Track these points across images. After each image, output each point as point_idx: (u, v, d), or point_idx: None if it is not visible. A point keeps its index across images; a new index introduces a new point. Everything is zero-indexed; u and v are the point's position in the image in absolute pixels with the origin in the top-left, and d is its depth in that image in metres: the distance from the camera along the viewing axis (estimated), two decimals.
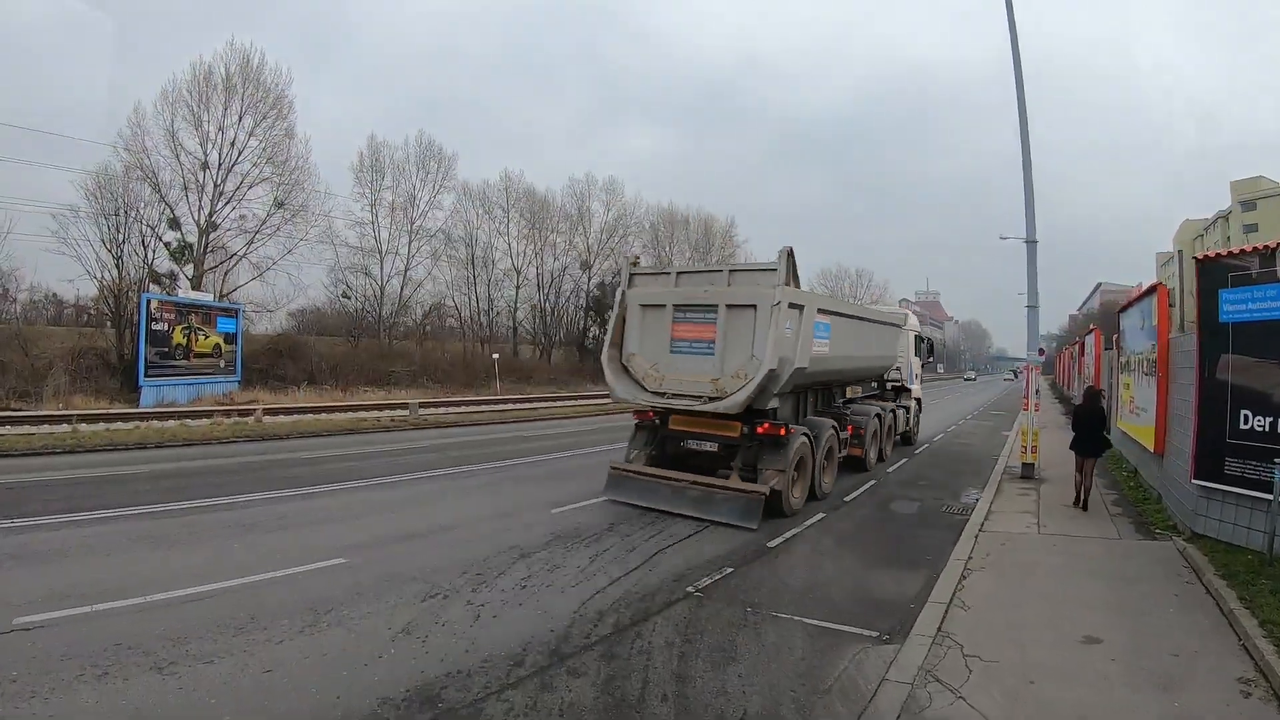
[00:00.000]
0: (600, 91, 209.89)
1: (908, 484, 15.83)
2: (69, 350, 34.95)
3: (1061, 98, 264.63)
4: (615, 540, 9.93)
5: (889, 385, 20.74)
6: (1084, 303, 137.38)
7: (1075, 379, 39.07)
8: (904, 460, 18.85)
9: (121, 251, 38.24)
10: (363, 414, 27.93)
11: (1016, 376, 76.79)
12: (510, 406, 34.56)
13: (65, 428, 19.47)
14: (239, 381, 35.97)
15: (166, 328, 32.62)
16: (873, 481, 15.55)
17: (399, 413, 27.40)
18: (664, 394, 12.38)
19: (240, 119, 43.40)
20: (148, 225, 39.99)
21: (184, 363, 33.35)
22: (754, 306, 11.55)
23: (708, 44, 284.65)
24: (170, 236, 41.88)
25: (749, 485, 11.74)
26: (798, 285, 12.09)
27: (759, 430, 12.00)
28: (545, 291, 63.63)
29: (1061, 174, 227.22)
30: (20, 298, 40.69)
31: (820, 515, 12.05)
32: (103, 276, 37.76)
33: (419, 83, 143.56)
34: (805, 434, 12.77)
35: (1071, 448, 12.86)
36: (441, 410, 30.45)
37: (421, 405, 29.02)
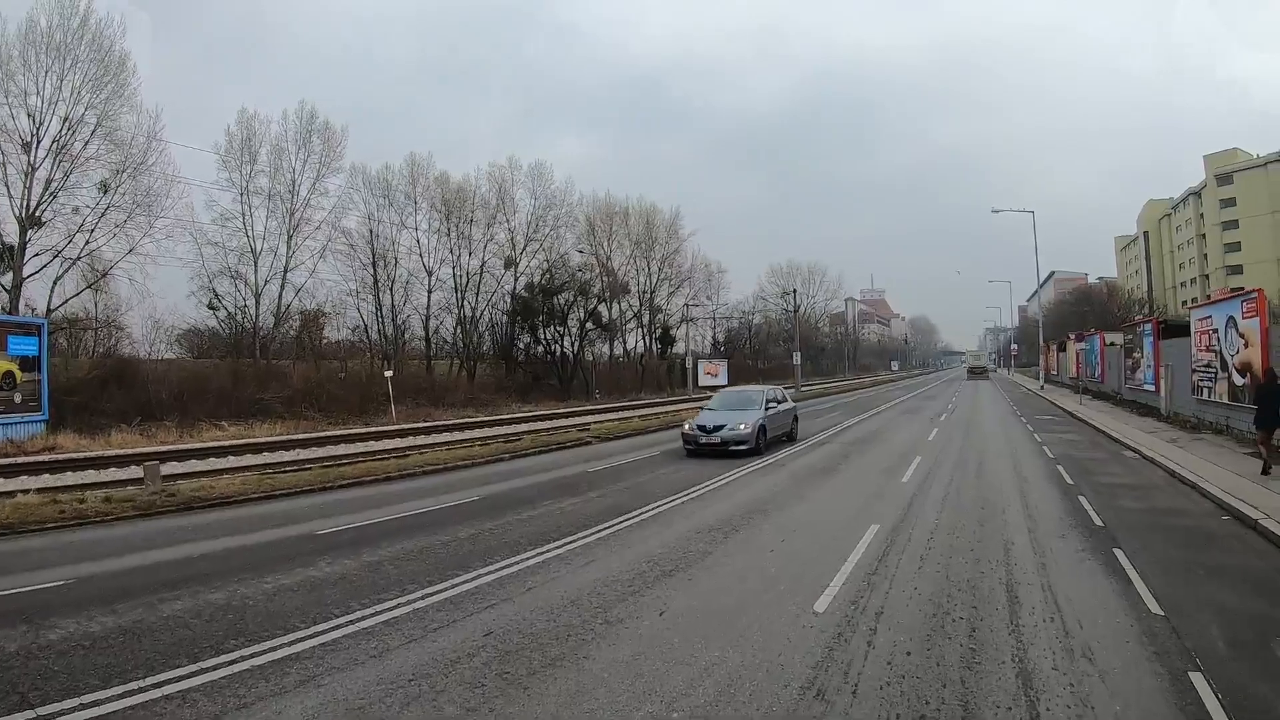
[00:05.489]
0: (525, 95, 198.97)
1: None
2: None
3: (1006, 84, 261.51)
4: None
5: None
6: (1034, 293, 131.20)
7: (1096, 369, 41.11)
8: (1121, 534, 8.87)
9: None
10: (87, 474, 18.31)
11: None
12: (393, 445, 24.42)
13: None
14: (45, 421, 27.44)
15: None
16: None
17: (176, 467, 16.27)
18: None
19: (61, 84, 34.24)
20: None
21: None
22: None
23: (637, 42, 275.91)
24: None
25: None
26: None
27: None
28: (462, 294, 52.48)
29: (1005, 167, 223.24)
30: None
31: None
32: None
33: (322, 92, 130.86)
34: None
35: (1255, 423, 14.58)
36: (245, 462, 20.01)
37: (186, 457, 18.07)
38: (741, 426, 18.70)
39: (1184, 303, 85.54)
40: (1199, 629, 6.56)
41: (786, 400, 22.93)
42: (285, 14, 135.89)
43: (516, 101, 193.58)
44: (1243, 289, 21.51)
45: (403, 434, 28.13)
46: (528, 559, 9.28)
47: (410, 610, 7.47)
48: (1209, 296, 60.80)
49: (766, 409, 20.23)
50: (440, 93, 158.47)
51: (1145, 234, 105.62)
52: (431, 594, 7.97)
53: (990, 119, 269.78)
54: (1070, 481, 14.50)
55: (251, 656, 6.27)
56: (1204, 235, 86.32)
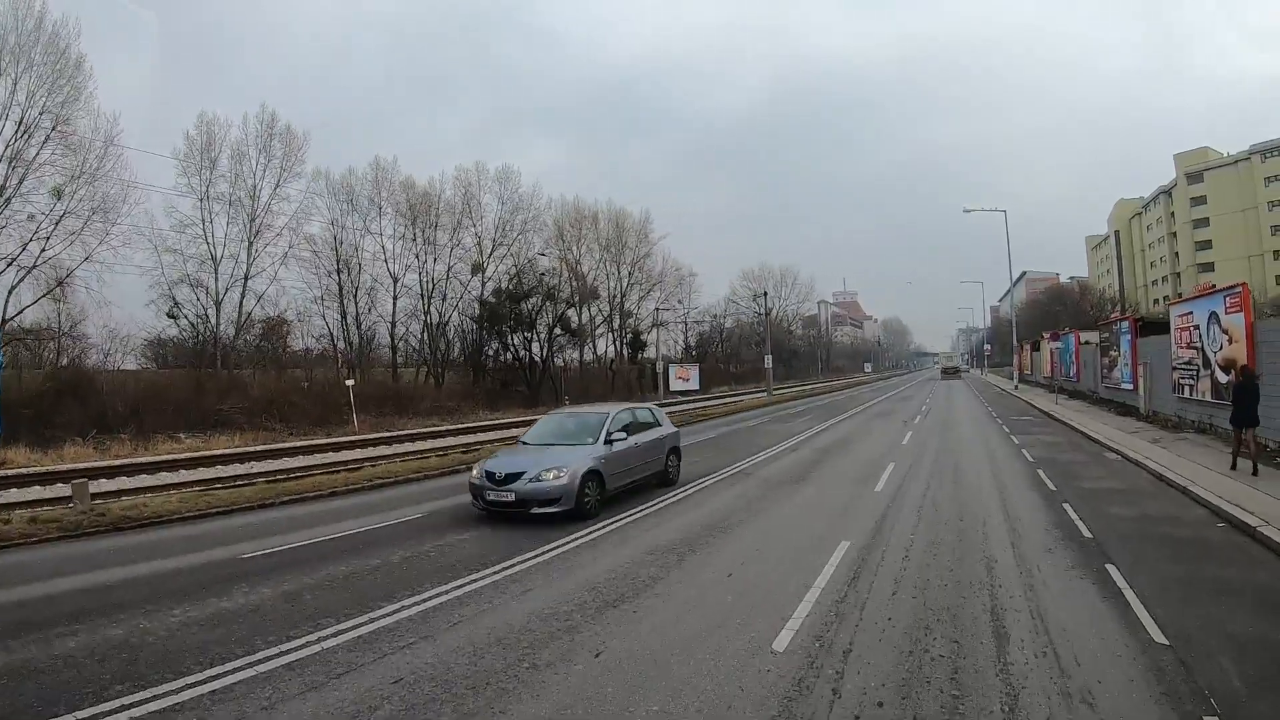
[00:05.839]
0: (496, 102, 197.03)
1: None
2: None
3: (978, 86, 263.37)
4: None
5: None
6: (1006, 292, 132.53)
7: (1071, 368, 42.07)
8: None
9: None
10: (33, 490, 17.52)
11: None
12: (352, 456, 23.73)
13: None
14: None
15: None
16: None
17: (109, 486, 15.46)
18: None
19: (15, 87, 32.83)
20: None
21: None
22: None
23: (609, 47, 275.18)
24: None
25: None
26: None
27: None
28: (429, 301, 51.33)
29: (976, 169, 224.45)
30: None
31: None
32: None
33: (291, 101, 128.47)
34: None
35: (1231, 421, 14.28)
36: (197, 476, 19.22)
37: (136, 472, 17.08)
38: (551, 475, 11.78)
39: (1155, 301, 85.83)
40: (1210, 662, 5.75)
41: (659, 424, 15.45)
42: (257, 18, 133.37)
43: (486, 109, 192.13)
44: (1213, 285, 20.86)
45: (363, 444, 27.07)
46: (460, 587, 8.32)
47: (318, 650, 6.55)
48: (1180, 294, 60.67)
49: (608, 441, 13.14)
50: (409, 103, 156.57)
51: (1116, 233, 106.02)
52: (346, 630, 7.04)
53: (963, 121, 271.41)
54: (1053, 487, 13.67)
55: (133, 705, 5.50)
56: (1174, 234, 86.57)
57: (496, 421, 36.83)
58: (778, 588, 7.89)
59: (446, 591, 8.16)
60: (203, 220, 41.21)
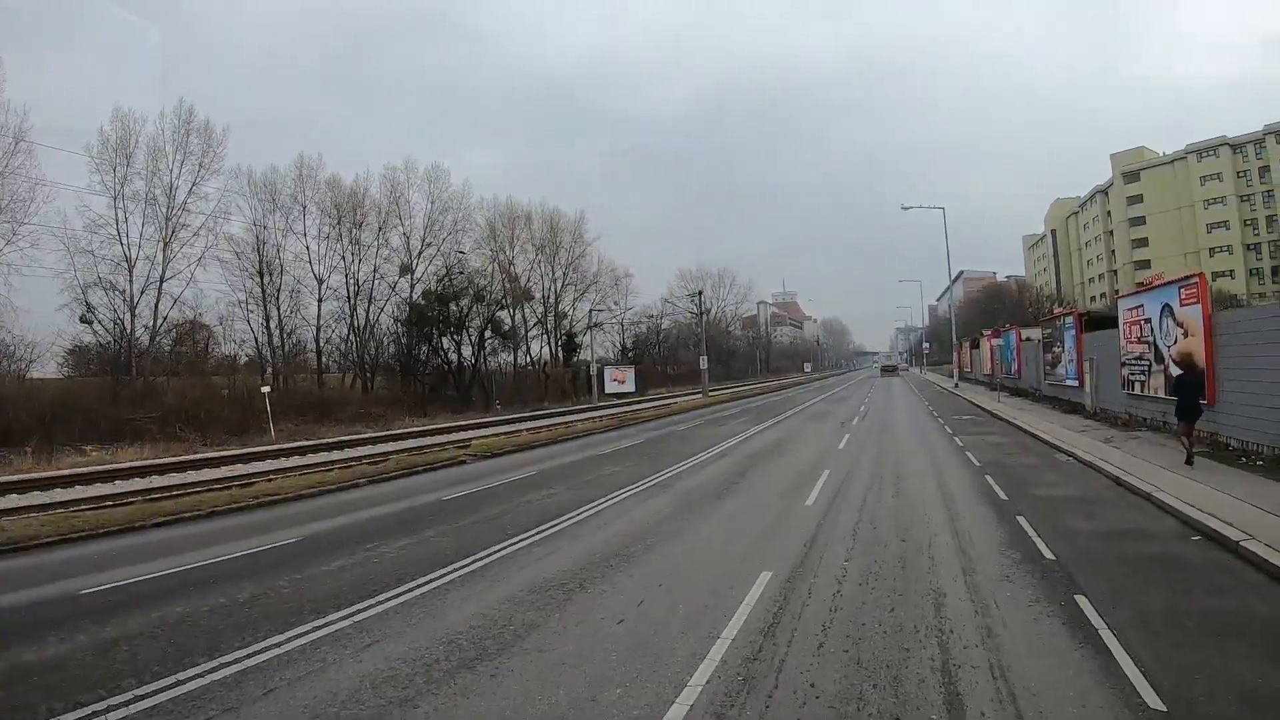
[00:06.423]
0: (432, 103, 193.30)
1: None
2: None
3: (913, 92, 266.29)
4: None
5: None
6: (944, 292, 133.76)
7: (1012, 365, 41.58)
8: None
9: None
10: None
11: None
12: (261, 468, 21.67)
13: None
14: None
15: None
16: None
17: None
18: None
19: None
20: None
21: None
22: None
23: (547, 51, 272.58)
24: None
25: None
26: None
27: None
28: (354, 303, 49.28)
29: (915, 172, 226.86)
30: None
31: None
32: None
33: (214, 102, 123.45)
34: None
35: (1177, 415, 14.11)
36: (94, 492, 17.42)
37: (29, 489, 15.17)
38: None
39: (1092, 298, 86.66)
40: None
41: None
42: (181, 14, 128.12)
43: (421, 112, 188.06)
44: (1157, 277, 19.97)
45: (275, 455, 25.08)
46: (298, 636, 6.78)
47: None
48: (1117, 291, 60.84)
49: None
50: (342, 106, 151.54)
51: (1053, 232, 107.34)
52: (144, 696, 5.68)
53: (900, 123, 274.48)
54: (1004, 496, 12.33)
55: None
56: (1111, 232, 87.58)
57: (423, 428, 34.94)
58: (678, 639, 6.34)
59: (281, 643, 6.70)
60: (117, 220, 38.86)
